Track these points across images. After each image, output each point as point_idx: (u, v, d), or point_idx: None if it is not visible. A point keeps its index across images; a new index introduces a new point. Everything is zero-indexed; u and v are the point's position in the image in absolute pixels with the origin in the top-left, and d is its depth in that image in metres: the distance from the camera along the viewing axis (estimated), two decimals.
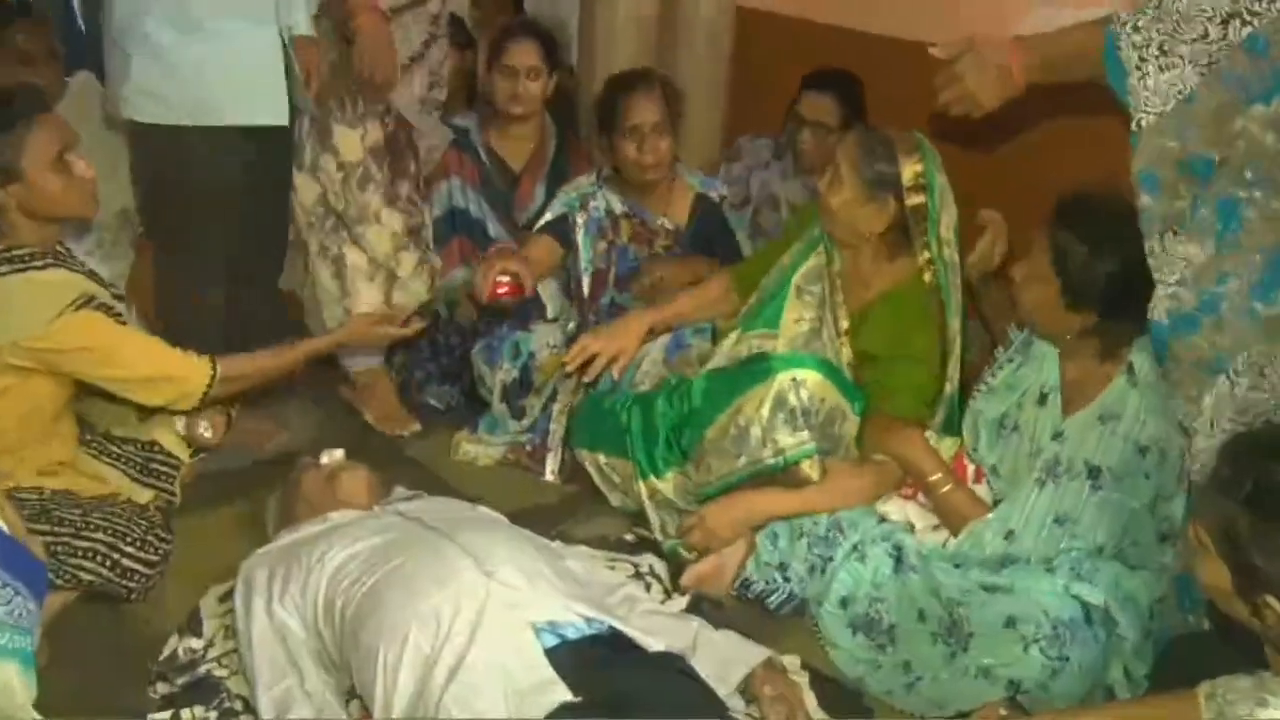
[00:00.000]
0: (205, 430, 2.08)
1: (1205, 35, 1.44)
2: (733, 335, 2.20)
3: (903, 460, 1.97)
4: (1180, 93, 1.47)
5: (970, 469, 1.97)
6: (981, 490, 1.95)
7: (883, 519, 1.95)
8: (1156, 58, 1.48)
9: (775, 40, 3.02)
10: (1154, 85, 1.50)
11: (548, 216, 2.55)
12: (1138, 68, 1.50)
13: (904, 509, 1.98)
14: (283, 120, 2.22)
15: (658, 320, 2.29)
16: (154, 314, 2.35)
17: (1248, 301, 1.46)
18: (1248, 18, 1.41)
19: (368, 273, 2.36)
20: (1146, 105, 1.50)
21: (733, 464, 2.00)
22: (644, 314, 2.30)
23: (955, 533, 1.90)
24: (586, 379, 2.26)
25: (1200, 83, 1.45)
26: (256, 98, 2.18)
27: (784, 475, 1.98)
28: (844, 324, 2.11)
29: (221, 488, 2.22)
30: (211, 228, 2.25)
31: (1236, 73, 1.42)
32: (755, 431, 1.97)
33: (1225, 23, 1.42)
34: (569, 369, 2.25)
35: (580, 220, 2.53)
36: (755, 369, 2.02)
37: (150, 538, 1.87)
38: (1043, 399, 1.91)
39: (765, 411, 1.96)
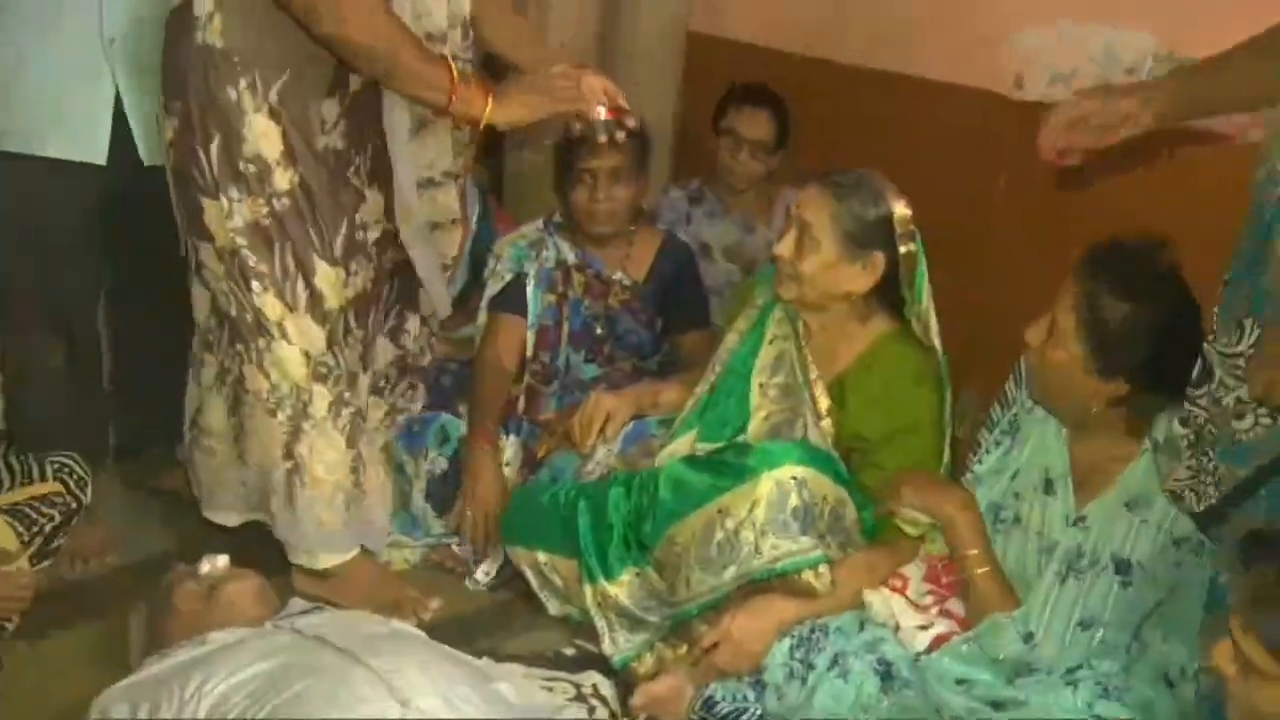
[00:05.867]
0: None
1: None
2: (686, 436, 2.17)
3: (947, 522, 1.91)
4: None
5: None
6: None
7: (864, 619, 1.90)
8: None
9: (731, 70, 3.08)
10: None
11: (496, 285, 2.54)
12: None
13: (889, 602, 1.93)
14: (93, 158, 2.18)
15: (646, 399, 2.33)
16: None
17: None
18: None
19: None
20: None
21: (719, 576, 1.95)
22: (636, 390, 2.35)
23: (974, 623, 1.86)
24: (591, 442, 2.26)
25: None
26: (65, 130, 2.16)
27: (780, 582, 1.93)
28: (823, 403, 2.09)
29: (68, 605, 2.12)
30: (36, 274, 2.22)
31: None
32: (747, 537, 1.92)
33: None
34: (589, 445, 2.24)
35: (531, 272, 2.54)
36: (736, 465, 1.98)
37: None
38: (1048, 487, 1.89)
39: (761, 514, 1.92)
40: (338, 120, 2.04)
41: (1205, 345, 1.58)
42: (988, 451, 1.98)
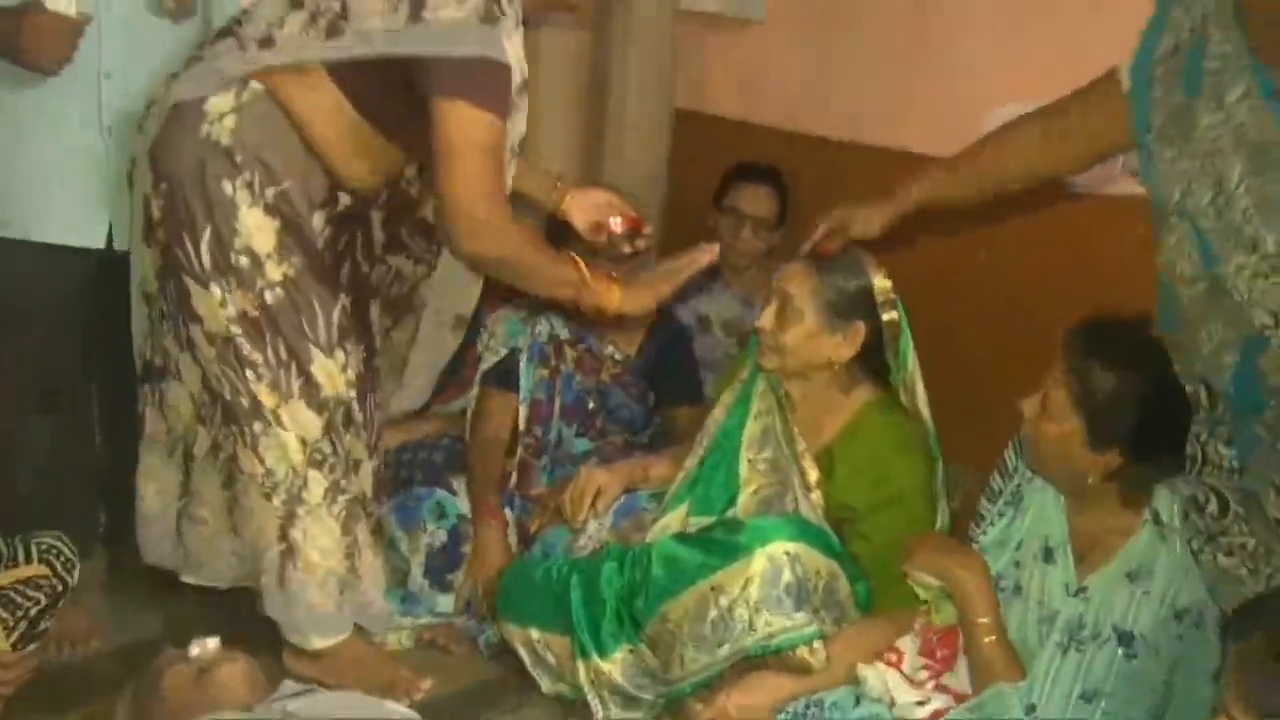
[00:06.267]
0: None
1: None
2: (677, 510, 2.20)
3: (959, 588, 1.89)
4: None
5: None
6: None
7: (859, 694, 1.91)
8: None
9: (717, 145, 3.16)
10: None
11: (490, 360, 2.58)
12: None
13: (884, 677, 1.92)
14: (92, 243, 2.20)
15: (637, 473, 2.37)
16: None
17: None
18: None
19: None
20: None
21: (714, 654, 1.97)
22: (627, 465, 2.39)
23: (978, 691, 1.86)
24: (583, 516, 2.29)
25: None
26: (62, 215, 2.18)
27: (774, 659, 1.95)
28: (812, 475, 2.11)
29: (54, 690, 2.11)
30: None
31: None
32: (741, 614, 1.95)
33: None
34: (580, 519, 2.28)
35: (523, 346, 2.59)
36: (728, 542, 2.01)
37: None
38: (1048, 555, 1.91)
39: (754, 591, 1.94)
40: (322, 230, 2.10)
41: (1214, 483, 1.68)
42: (991, 523, 2.00)
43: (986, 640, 1.85)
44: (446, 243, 2.08)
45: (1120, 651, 1.80)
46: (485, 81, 1.95)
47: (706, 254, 2.19)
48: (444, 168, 1.97)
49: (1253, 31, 1.50)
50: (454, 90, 1.94)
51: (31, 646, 2.05)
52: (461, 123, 1.94)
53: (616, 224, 2.22)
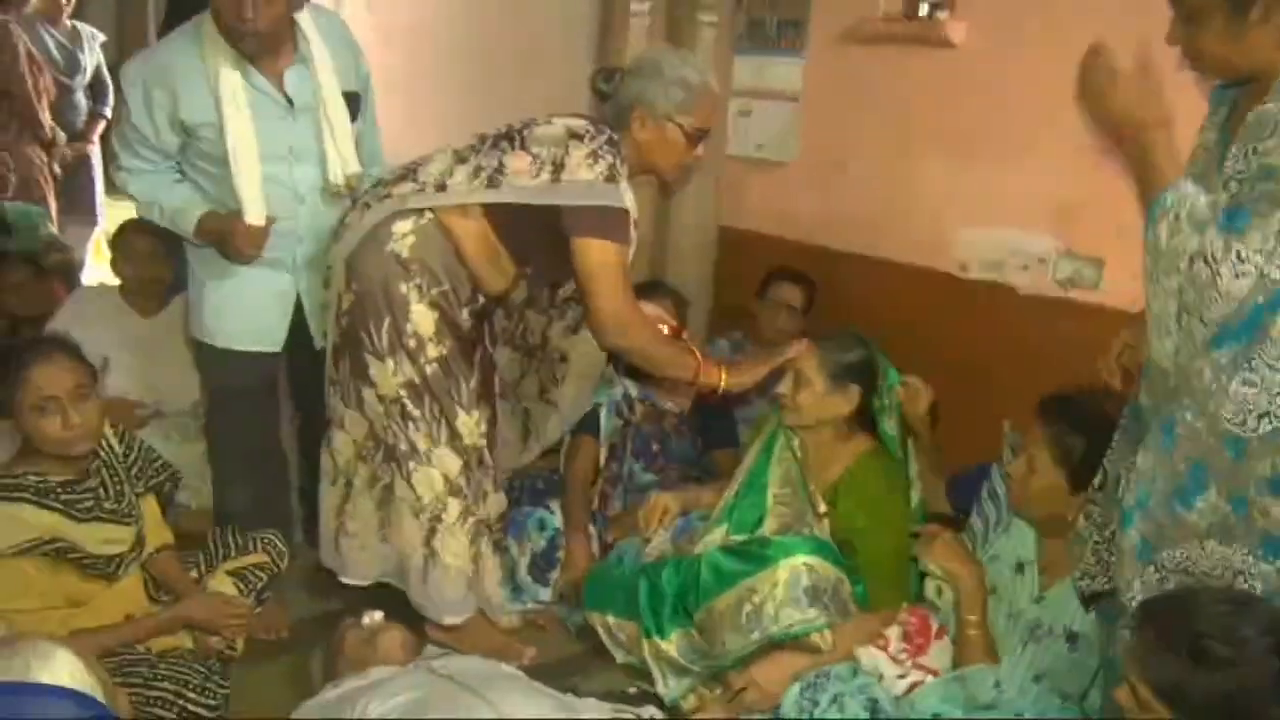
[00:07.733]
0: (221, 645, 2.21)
1: None
2: (719, 531, 2.30)
3: (961, 587, 2.00)
4: None
5: (935, 626, 2.04)
6: (944, 644, 2.02)
7: (856, 669, 1.99)
8: None
9: (752, 253, 3.32)
10: None
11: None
12: None
13: (875, 659, 2.03)
14: (276, 348, 2.50)
15: (691, 499, 2.52)
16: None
17: (1169, 503, 1.55)
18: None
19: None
20: None
21: (747, 638, 2.11)
22: (685, 492, 2.54)
23: (958, 667, 1.99)
24: (653, 529, 2.41)
25: None
26: (257, 331, 2.47)
27: (793, 642, 2.08)
28: (821, 506, 2.26)
29: (272, 645, 2.32)
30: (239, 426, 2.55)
31: None
32: (769, 609, 2.09)
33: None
34: (651, 531, 2.40)
35: (604, 402, 2.75)
36: (760, 554, 2.15)
37: (210, 685, 2.01)
38: (1020, 569, 2.05)
39: (780, 592, 2.08)
40: (466, 321, 2.31)
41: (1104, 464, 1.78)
42: (989, 544, 2.10)
43: (973, 632, 2.00)
44: (597, 338, 2.25)
45: (1067, 646, 1.94)
46: (613, 222, 2.15)
47: (795, 348, 2.31)
48: (591, 286, 2.16)
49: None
50: (591, 230, 2.15)
51: (258, 610, 2.33)
52: (600, 252, 2.14)
53: (664, 330, 2.41)
